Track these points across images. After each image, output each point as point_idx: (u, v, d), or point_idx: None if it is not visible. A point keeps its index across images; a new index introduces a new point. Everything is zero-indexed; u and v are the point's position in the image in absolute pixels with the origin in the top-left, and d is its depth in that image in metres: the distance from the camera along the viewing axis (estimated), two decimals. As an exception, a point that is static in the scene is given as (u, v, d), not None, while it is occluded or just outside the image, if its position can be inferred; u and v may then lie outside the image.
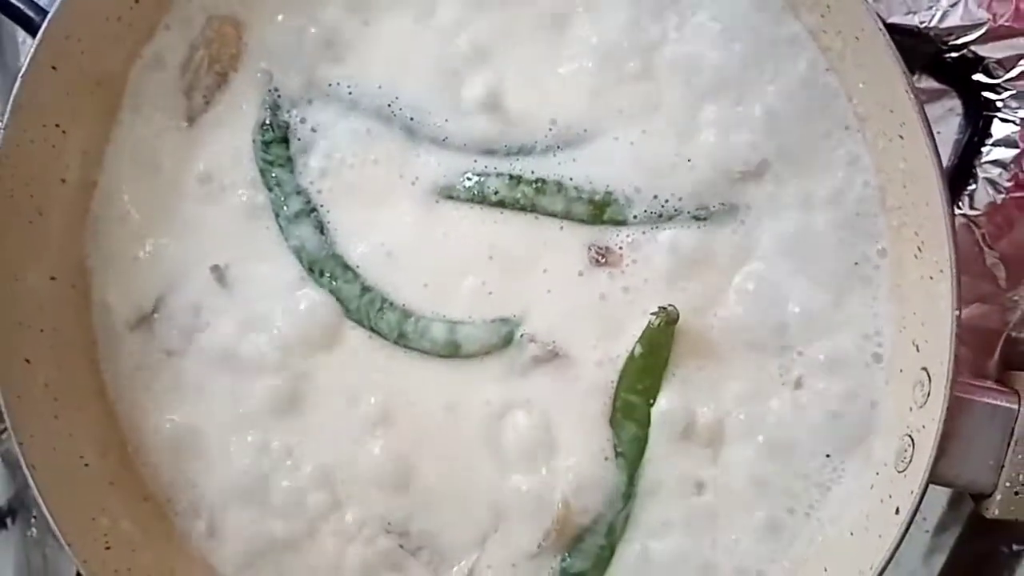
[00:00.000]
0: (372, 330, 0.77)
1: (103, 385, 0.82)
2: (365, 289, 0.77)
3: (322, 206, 0.78)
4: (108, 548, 0.77)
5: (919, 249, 0.65)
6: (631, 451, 0.74)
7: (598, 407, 0.75)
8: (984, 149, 0.83)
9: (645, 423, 0.74)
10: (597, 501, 0.75)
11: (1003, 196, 0.82)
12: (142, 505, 0.81)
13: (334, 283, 0.77)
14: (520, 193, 0.74)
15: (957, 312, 0.58)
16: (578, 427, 0.75)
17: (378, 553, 0.78)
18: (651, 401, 0.74)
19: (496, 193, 0.75)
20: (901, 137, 0.63)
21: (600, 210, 0.73)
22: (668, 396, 0.74)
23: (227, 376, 0.80)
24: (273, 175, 0.78)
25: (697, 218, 0.72)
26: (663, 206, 0.73)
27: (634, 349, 0.72)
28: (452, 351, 0.75)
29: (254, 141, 0.79)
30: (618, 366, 0.74)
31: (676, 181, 0.72)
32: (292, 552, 0.79)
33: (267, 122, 0.78)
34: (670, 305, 0.70)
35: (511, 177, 0.75)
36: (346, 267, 0.77)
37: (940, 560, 0.83)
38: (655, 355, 0.73)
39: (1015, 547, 0.80)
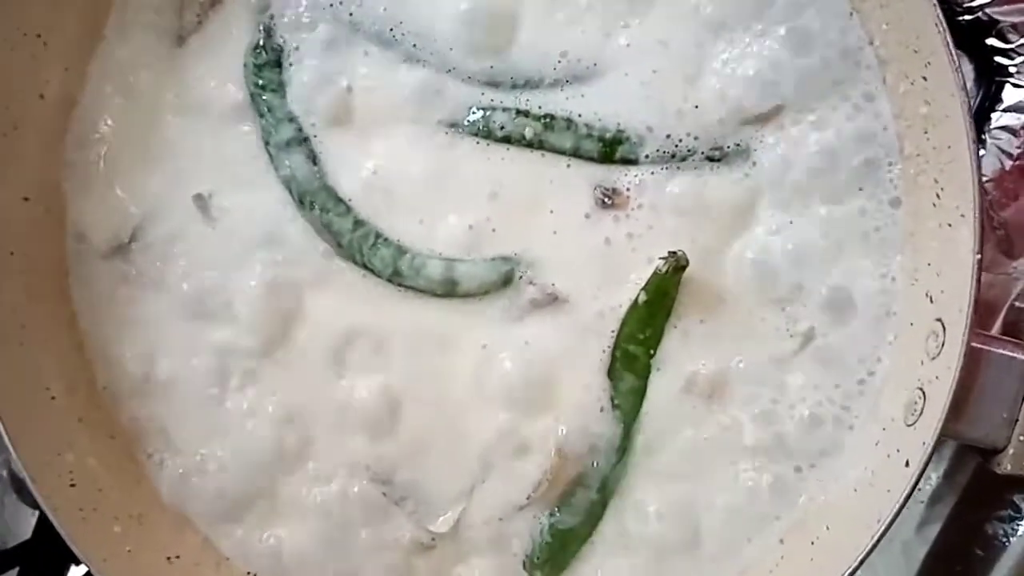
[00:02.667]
0: (364, 267, 0.73)
1: (73, 317, 0.79)
2: (358, 223, 0.73)
3: (315, 135, 0.75)
4: (73, 485, 0.73)
5: (937, 196, 0.63)
6: (628, 403, 0.72)
7: (596, 356, 0.72)
8: (994, 115, 0.81)
9: (644, 375, 0.71)
10: (591, 454, 0.72)
11: (1012, 163, 0.80)
12: (110, 444, 0.78)
13: (325, 216, 0.74)
14: (527, 128, 0.71)
15: (979, 256, 0.56)
16: (575, 376, 0.72)
17: (359, 502, 0.74)
18: (651, 352, 0.71)
19: (502, 128, 0.72)
20: (924, 79, 0.61)
21: (611, 148, 0.71)
22: (669, 347, 0.71)
23: (205, 313, 0.76)
24: (264, 100, 0.74)
25: (711, 159, 0.70)
26: (676, 146, 0.70)
27: (638, 297, 0.70)
28: (449, 290, 0.72)
29: (245, 65, 0.75)
30: (619, 315, 0.71)
31: (690, 120, 0.70)
32: (266, 500, 0.76)
33: (260, 44, 0.75)
34: (679, 250, 0.68)
35: (518, 112, 0.72)
36: (338, 199, 0.74)
37: (934, 530, 0.81)
38: (659, 304, 0.70)
39: (1012, 515, 0.78)
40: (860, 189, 0.69)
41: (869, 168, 0.69)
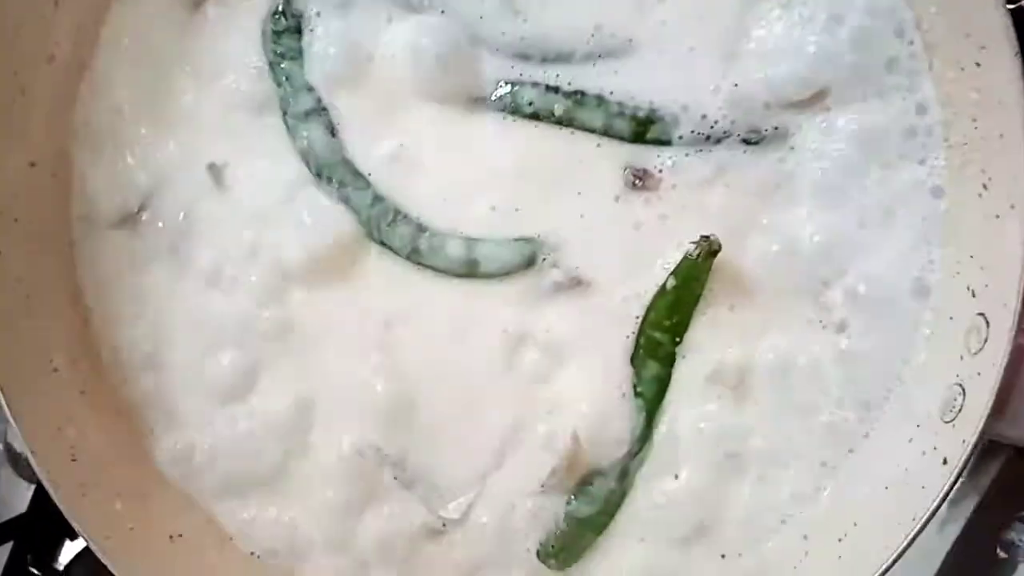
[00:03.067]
0: (381, 244, 0.71)
1: (79, 288, 0.76)
2: (377, 199, 0.71)
3: (334, 106, 0.72)
4: (74, 460, 0.71)
5: (984, 187, 0.61)
6: (651, 391, 0.69)
7: (620, 342, 0.70)
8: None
9: (669, 363, 0.69)
10: (611, 442, 0.70)
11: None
12: (115, 420, 0.75)
13: (343, 190, 0.71)
14: (557, 105, 0.69)
15: (1030, 249, 0.54)
16: (597, 362, 0.70)
17: (368, 485, 0.72)
18: (677, 340, 0.69)
19: (531, 104, 0.69)
20: (978, 64, 0.59)
21: (643, 128, 0.68)
22: (695, 335, 0.69)
23: (216, 288, 0.74)
24: (282, 68, 0.72)
25: (747, 142, 0.67)
26: (712, 127, 0.68)
27: (666, 282, 0.68)
28: (469, 270, 0.70)
29: (264, 31, 0.73)
30: (645, 301, 0.69)
31: (727, 101, 0.67)
32: (273, 481, 0.74)
33: (280, 10, 0.72)
34: (712, 235, 0.65)
35: (548, 87, 0.69)
36: (357, 173, 0.71)
37: (955, 530, 0.79)
38: (688, 290, 0.68)
39: (1035, 517, 0.76)
40: (901, 178, 0.66)
41: (910, 156, 0.66)
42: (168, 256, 0.75)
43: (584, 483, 0.71)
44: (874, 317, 0.67)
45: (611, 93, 0.69)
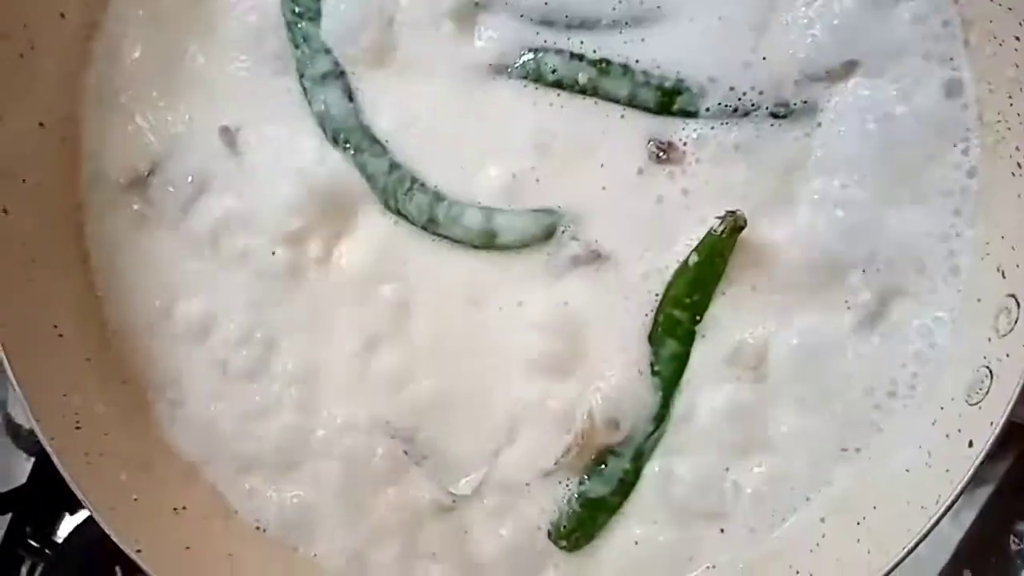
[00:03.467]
0: (398, 212, 0.70)
1: (86, 253, 0.75)
2: (394, 166, 0.70)
3: (352, 71, 0.70)
4: (78, 428, 0.70)
5: (1018, 166, 0.60)
6: (669, 370, 0.68)
7: (639, 319, 0.69)
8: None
9: (687, 341, 0.68)
10: (626, 421, 0.69)
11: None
12: (120, 388, 0.74)
13: (359, 156, 0.70)
14: (581, 73, 0.67)
15: (1064, 228, 0.53)
16: (614, 339, 0.69)
17: (376, 459, 0.71)
18: (698, 318, 0.68)
19: (554, 72, 0.68)
20: (1017, 39, 0.58)
21: (669, 98, 0.67)
22: (716, 314, 0.68)
23: (226, 255, 0.72)
24: (300, 28, 0.70)
25: (775, 115, 0.66)
26: (739, 99, 0.66)
27: (688, 257, 0.66)
28: (487, 241, 0.69)
29: None
30: (665, 277, 0.68)
31: (756, 73, 0.66)
32: (280, 454, 0.73)
33: None
34: (738, 210, 0.64)
35: (572, 55, 0.68)
36: (374, 139, 0.70)
37: (970, 517, 0.79)
38: (710, 266, 0.66)
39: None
40: (932, 156, 0.65)
41: (943, 134, 0.65)
42: (178, 221, 0.73)
43: (598, 463, 0.70)
44: (901, 297, 0.66)
45: (637, 62, 0.67)
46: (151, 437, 0.74)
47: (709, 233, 0.65)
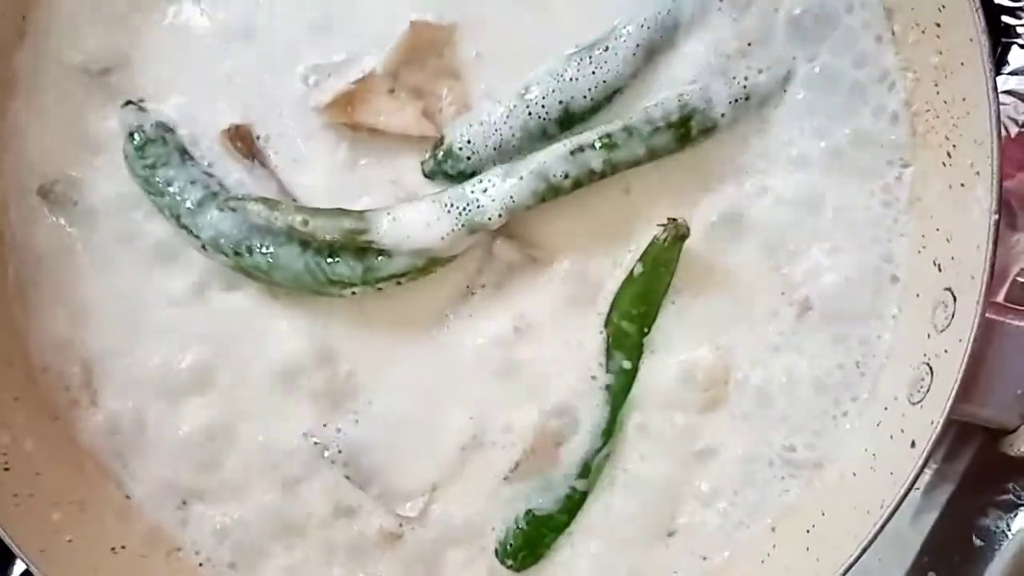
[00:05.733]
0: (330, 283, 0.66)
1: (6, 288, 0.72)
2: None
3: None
4: (7, 469, 0.67)
5: (948, 155, 0.58)
6: (618, 384, 0.66)
7: (589, 333, 0.67)
8: (999, 79, 0.76)
9: (636, 355, 0.66)
10: (574, 436, 0.67)
11: (1018, 129, 0.76)
12: (50, 425, 0.72)
13: (270, 251, 0.66)
14: (594, 160, 0.63)
15: (996, 216, 0.52)
16: (562, 354, 0.67)
17: (320, 485, 0.69)
18: (645, 330, 0.66)
19: (566, 176, 0.63)
20: (938, 25, 0.57)
21: (684, 127, 0.63)
22: (663, 325, 0.66)
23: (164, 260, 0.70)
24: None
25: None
26: (744, 86, 0.64)
27: (633, 268, 0.64)
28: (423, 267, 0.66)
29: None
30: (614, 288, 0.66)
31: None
32: (217, 482, 0.70)
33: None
34: (680, 218, 0.62)
35: (574, 151, 0.63)
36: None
37: (930, 520, 0.77)
38: (656, 277, 0.64)
39: (1014, 501, 0.74)
40: (863, 149, 0.64)
41: (873, 127, 0.64)
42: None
43: (546, 479, 0.68)
44: (838, 297, 0.65)
45: (630, 118, 0.64)
46: (85, 474, 0.71)
47: (653, 242, 0.63)
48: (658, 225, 0.63)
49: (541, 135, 0.65)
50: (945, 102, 0.58)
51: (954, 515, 0.77)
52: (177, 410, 0.70)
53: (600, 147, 0.63)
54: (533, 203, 0.63)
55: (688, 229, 0.62)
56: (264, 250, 0.66)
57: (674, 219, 0.62)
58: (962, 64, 0.55)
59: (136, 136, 0.68)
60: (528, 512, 0.68)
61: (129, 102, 0.69)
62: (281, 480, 0.69)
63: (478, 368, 0.68)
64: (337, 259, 0.65)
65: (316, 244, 0.65)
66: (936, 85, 0.59)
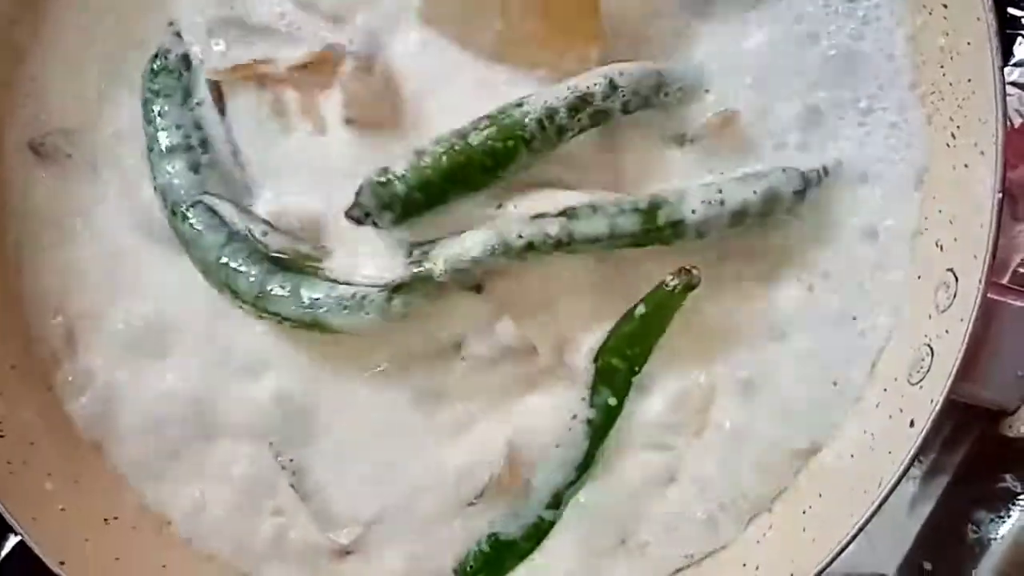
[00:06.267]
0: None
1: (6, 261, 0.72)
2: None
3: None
4: (2, 436, 0.67)
5: (952, 136, 0.58)
6: (600, 419, 0.65)
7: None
8: (1005, 70, 0.77)
9: (622, 392, 0.65)
10: (547, 466, 0.66)
11: (1021, 120, 0.76)
12: (46, 396, 0.71)
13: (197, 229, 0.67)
14: (550, 227, 0.61)
15: (1000, 195, 0.52)
16: (547, 381, 0.66)
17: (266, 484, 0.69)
18: (636, 369, 0.64)
19: (520, 237, 0.61)
20: (944, 6, 0.57)
21: (651, 216, 0.61)
22: (653, 366, 0.65)
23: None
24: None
25: None
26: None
27: (635, 309, 0.63)
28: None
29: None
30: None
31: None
32: (193, 459, 0.70)
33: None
34: (695, 268, 0.61)
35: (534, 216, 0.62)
36: None
37: (927, 509, 0.77)
38: (656, 320, 0.63)
39: (1010, 489, 0.74)
40: (865, 130, 0.64)
41: (877, 109, 0.64)
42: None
43: (514, 505, 0.66)
44: (838, 280, 0.64)
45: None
46: (81, 447, 0.71)
47: (661, 286, 0.62)
48: (669, 273, 0.61)
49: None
50: (950, 84, 0.58)
51: (949, 506, 0.77)
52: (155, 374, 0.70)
53: (557, 214, 0.61)
54: (485, 259, 0.61)
55: (700, 280, 0.61)
56: (193, 221, 0.66)
57: (688, 269, 0.61)
58: (968, 43, 0.55)
59: (159, 59, 0.69)
60: (492, 536, 0.66)
61: (171, 23, 0.70)
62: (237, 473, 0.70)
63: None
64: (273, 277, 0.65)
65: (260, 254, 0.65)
66: (942, 67, 0.59)
